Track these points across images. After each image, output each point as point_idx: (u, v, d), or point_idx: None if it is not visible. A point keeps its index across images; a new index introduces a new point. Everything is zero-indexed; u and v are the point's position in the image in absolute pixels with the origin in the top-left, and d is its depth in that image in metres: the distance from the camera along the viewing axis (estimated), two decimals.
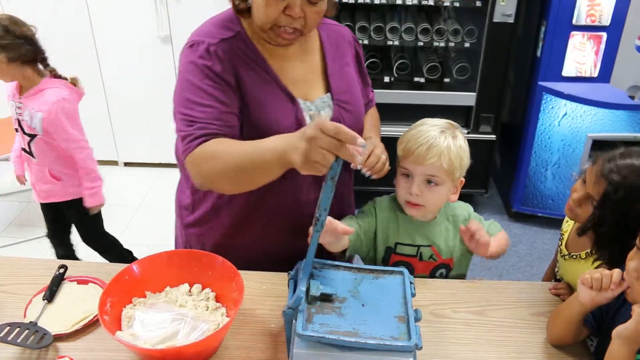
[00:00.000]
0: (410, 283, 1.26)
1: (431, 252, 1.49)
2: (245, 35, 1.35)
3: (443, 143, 1.39)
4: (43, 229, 2.75)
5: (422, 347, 1.11)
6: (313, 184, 1.42)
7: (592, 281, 1.14)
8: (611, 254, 1.25)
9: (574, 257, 1.43)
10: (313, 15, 1.28)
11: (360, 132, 1.49)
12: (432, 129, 1.42)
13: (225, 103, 1.28)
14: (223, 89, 1.29)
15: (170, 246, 1.64)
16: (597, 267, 1.33)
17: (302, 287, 1.16)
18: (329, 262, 1.28)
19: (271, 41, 1.33)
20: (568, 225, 1.51)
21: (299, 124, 1.36)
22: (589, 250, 1.37)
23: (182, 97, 1.29)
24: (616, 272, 1.13)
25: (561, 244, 1.50)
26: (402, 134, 1.47)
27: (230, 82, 1.30)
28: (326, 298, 1.19)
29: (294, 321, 1.13)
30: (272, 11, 1.24)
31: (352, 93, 1.49)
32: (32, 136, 2.30)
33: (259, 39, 1.35)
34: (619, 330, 1.06)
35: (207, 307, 1.30)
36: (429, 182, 1.41)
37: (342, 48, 1.50)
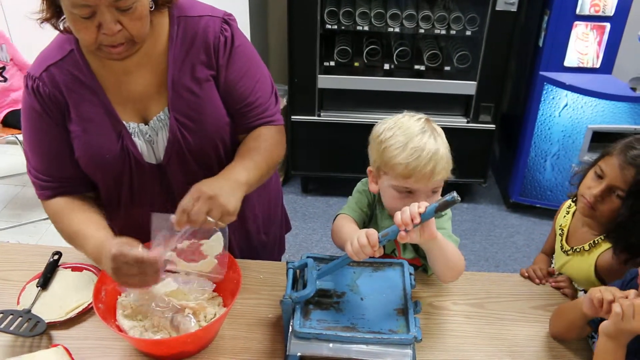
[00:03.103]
0: (410, 274, 1.25)
1: (393, 246, 1.42)
2: (79, 53, 1.23)
3: (442, 153, 1.27)
4: (37, 213, 2.73)
5: (421, 340, 1.09)
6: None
7: (604, 304, 1.08)
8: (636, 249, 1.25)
9: (577, 250, 1.41)
10: (133, 23, 1.12)
11: (212, 157, 1.32)
12: (425, 140, 1.27)
13: (52, 149, 1.28)
14: (50, 130, 1.26)
15: None
16: (604, 250, 1.34)
17: (312, 286, 1.14)
18: (328, 256, 1.26)
19: (106, 57, 1.20)
20: (566, 220, 1.49)
21: (126, 153, 1.27)
22: (592, 242, 1.37)
23: (23, 137, 1.32)
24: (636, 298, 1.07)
25: (562, 239, 1.48)
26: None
27: (55, 117, 1.25)
28: (324, 294, 1.18)
29: (291, 319, 1.11)
30: (87, 34, 1.11)
31: (201, 106, 1.28)
32: None
33: (95, 54, 1.21)
34: (602, 326, 1.07)
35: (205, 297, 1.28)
36: (433, 192, 1.31)
37: (198, 45, 1.26)
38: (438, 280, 1.39)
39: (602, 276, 1.35)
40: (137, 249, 1.10)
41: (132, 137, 1.27)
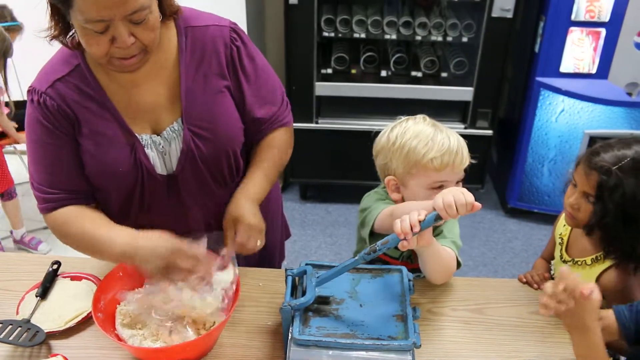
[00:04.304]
0: (409, 281, 1.25)
1: (409, 251, 1.43)
2: (86, 67, 1.22)
3: (462, 140, 1.35)
4: (36, 223, 2.73)
5: (420, 346, 1.09)
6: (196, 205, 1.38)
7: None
8: (622, 248, 1.25)
9: (579, 263, 1.40)
10: (146, 34, 1.12)
11: (224, 165, 1.34)
12: (444, 133, 1.34)
13: (60, 162, 1.25)
14: (58, 143, 1.24)
15: None
16: (608, 268, 1.33)
17: (311, 293, 1.15)
18: (327, 263, 1.27)
19: (117, 70, 1.19)
20: (566, 229, 1.49)
21: (139, 165, 1.26)
22: (594, 256, 1.36)
23: (27, 150, 1.29)
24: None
25: (561, 249, 1.48)
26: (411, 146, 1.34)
27: (63, 131, 1.23)
28: (323, 301, 1.18)
29: (290, 326, 1.12)
30: (99, 49, 1.11)
31: (215, 116, 1.29)
32: None
33: (104, 67, 1.21)
34: None
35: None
36: (457, 182, 1.36)
37: (209, 55, 1.27)
38: (430, 281, 1.40)
39: (605, 295, 1.34)
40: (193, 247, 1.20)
41: (145, 149, 1.26)
